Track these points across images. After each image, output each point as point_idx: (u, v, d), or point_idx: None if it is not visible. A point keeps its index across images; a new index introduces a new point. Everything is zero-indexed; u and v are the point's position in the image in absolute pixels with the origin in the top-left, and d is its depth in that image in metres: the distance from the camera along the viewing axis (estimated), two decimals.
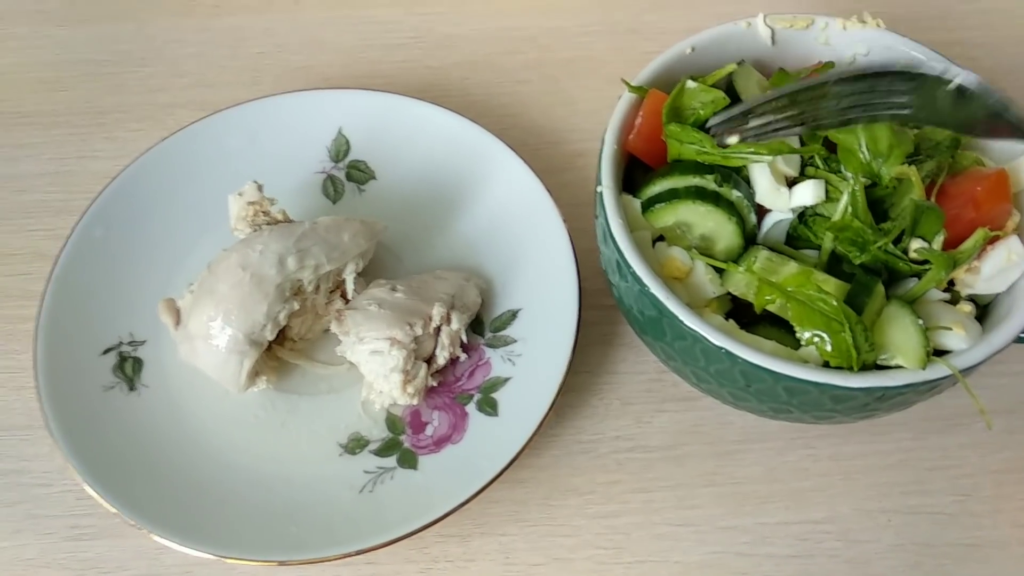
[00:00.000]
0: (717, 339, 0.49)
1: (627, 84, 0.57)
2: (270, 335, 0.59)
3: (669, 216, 0.55)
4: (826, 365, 0.49)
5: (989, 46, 0.82)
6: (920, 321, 0.49)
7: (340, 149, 0.72)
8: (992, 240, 0.52)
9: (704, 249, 0.55)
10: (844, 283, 0.51)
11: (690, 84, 0.56)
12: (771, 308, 0.51)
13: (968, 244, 0.51)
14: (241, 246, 0.60)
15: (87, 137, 0.78)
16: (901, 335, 0.50)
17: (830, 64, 0.60)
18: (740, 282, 0.53)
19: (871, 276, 0.51)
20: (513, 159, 0.69)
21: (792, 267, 0.51)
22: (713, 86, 0.57)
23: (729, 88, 0.60)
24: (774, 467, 0.62)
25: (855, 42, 0.61)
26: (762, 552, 0.59)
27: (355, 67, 0.81)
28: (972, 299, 0.54)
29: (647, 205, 0.56)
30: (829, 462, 0.62)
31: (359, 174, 0.72)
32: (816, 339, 0.49)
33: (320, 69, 0.81)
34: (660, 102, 0.57)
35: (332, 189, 0.72)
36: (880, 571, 0.58)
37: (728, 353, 0.49)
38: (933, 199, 0.53)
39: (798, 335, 0.50)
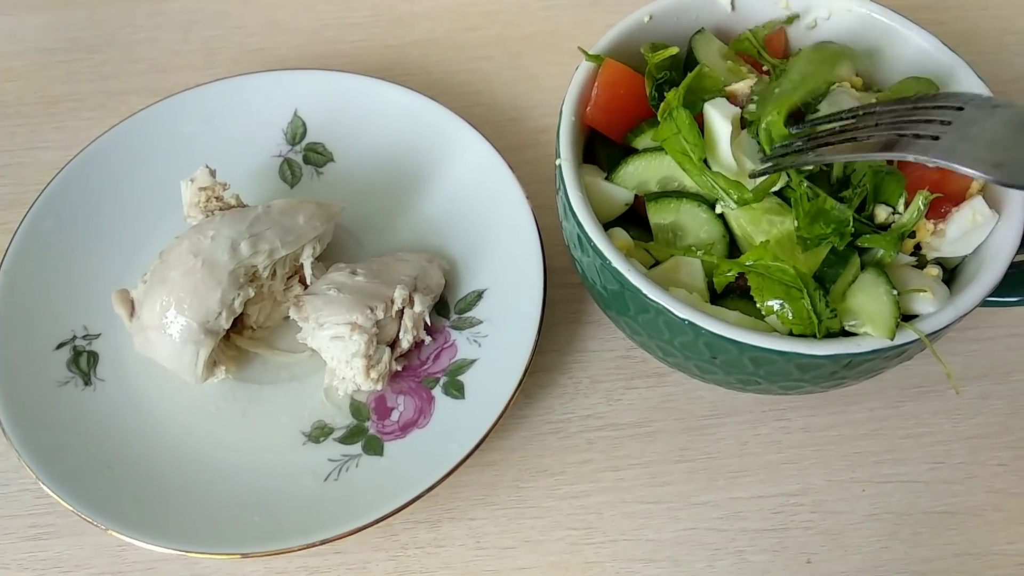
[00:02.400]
0: (680, 311, 0.48)
1: (584, 52, 0.56)
2: (225, 323, 0.57)
3: (654, 172, 0.55)
4: (792, 334, 0.48)
5: (956, 9, 0.81)
6: (895, 292, 0.48)
7: (296, 132, 0.71)
8: (939, 202, 0.51)
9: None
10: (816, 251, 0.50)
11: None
12: (724, 283, 0.51)
13: (910, 213, 0.50)
14: (192, 232, 0.58)
15: (37, 127, 0.76)
16: (873, 304, 0.49)
17: (795, 16, 0.59)
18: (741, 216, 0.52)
19: (847, 248, 0.50)
20: (475, 137, 0.68)
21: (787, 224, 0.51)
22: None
23: (689, 56, 0.59)
24: (746, 441, 0.61)
25: (815, 5, 0.59)
26: (736, 527, 0.58)
27: (312, 48, 0.79)
28: (939, 262, 0.53)
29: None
30: (802, 433, 0.61)
31: (317, 156, 0.70)
32: (776, 308, 0.48)
33: (276, 51, 0.79)
34: (616, 72, 0.55)
35: (289, 173, 0.70)
36: (855, 541, 0.58)
37: (692, 324, 0.48)
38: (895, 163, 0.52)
39: (759, 306, 0.49)
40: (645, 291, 0.49)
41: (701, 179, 0.52)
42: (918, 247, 0.53)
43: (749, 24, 0.60)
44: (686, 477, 0.60)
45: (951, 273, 0.53)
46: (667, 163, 0.54)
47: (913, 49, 0.58)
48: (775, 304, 0.48)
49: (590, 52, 0.56)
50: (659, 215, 0.54)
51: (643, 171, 0.55)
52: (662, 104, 0.53)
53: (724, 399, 0.62)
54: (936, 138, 0.44)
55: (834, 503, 0.59)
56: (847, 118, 0.50)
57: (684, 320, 0.48)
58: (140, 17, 0.82)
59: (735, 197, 0.51)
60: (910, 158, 0.44)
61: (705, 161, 0.53)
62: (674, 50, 0.55)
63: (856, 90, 0.59)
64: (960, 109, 0.45)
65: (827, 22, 0.60)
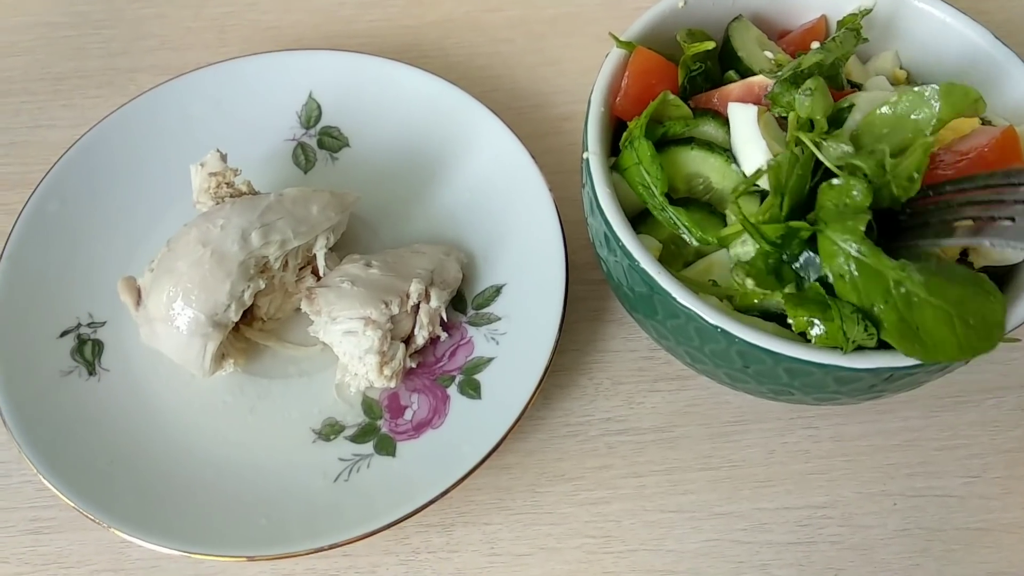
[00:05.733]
0: (712, 318, 0.45)
1: (615, 38, 0.53)
2: (234, 316, 0.55)
3: (680, 167, 0.53)
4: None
5: None
6: None
7: (311, 115, 0.68)
8: None
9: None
10: None
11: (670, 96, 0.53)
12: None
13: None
14: (201, 221, 0.56)
15: (44, 105, 0.73)
16: None
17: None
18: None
19: None
20: (495, 124, 0.65)
21: None
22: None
23: (725, 45, 0.56)
24: (773, 449, 0.58)
25: None
26: (760, 539, 0.56)
27: (327, 27, 0.77)
28: (987, 271, 0.50)
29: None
30: (831, 443, 0.58)
31: (331, 141, 0.68)
32: (808, 325, 0.45)
33: (290, 29, 0.77)
34: (648, 61, 0.53)
35: (303, 157, 0.67)
36: (885, 557, 0.55)
37: (724, 332, 0.45)
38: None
39: (791, 322, 0.46)
40: (675, 295, 0.46)
41: (662, 215, 0.51)
42: (964, 254, 0.50)
43: (788, 10, 0.57)
44: (710, 486, 0.57)
45: (1000, 282, 0.50)
46: (692, 157, 0.52)
47: (961, 41, 0.55)
48: (808, 321, 0.45)
49: (621, 38, 0.53)
50: (654, 234, 0.52)
51: (667, 168, 0.52)
52: (624, 133, 0.52)
53: (751, 405, 0.60)
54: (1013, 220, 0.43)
55: (864, 517, 0.56)
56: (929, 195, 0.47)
57: (716, 327, 0.45)
58: None
59: (697, 236, 0.50)
60: (987, 243, 0.44)
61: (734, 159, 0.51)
62: (710, 44, 0.53)
63: (900, 84, 0.57)
64: None
65: (871, 12, 0.57)
